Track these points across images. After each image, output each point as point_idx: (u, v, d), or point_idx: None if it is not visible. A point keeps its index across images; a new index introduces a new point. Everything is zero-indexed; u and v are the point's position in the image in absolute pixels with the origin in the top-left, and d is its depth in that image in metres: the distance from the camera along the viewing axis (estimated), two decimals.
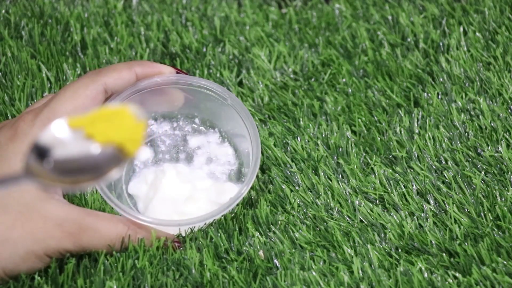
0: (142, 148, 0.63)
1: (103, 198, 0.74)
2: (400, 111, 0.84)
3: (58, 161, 0.59)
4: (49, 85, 0.86)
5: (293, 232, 0.76)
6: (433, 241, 0.75)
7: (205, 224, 0.76)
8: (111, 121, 0.60)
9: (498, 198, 0.77)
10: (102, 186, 0.74)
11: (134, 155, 0.60)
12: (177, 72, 0.78)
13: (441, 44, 0.90)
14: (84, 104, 0.74)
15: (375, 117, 0.84)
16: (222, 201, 0.77)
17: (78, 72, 0.87)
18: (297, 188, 0.79)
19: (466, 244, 0.74)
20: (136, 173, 0.80)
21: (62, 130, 0.59)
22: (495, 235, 0.75)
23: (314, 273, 0.73)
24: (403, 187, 0.79)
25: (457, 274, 0.73)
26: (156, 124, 0.82)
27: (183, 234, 0.75)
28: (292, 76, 0.89)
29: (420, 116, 0.84)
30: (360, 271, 0.73)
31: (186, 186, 0.78)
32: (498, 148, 0.81)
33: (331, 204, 0.78)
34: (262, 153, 0.81)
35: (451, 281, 0.72)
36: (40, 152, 0.58)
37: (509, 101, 0.84)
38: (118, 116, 0.60)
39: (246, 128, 0.77)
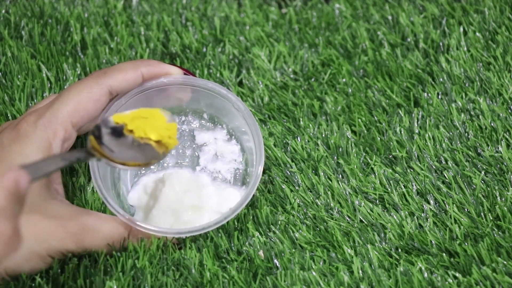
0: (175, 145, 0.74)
1: (103, 202, 0.74)
2: (400, 111, 0.84)
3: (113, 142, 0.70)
4: (49, 85, 0.86)
5: (293, 232, 0.76)
6: (433, 241, 0.75)
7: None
8: (147, 120, 0.71)
9: (498, 198, 0.77)
10: (103, 192, 0.73)
11: (169, 151, 0.72)
12: (185, 73, 0.78)
13: (441, 44, 0.90)
14: (88, 106, 0.74)
15: (375, 117, 0.84)
16: (224, 209, 0.76)
17: (78, 72, 0.87)
18: (297, 188, 0.79)
19: (466, 244, 0.74)
20: (137, 180, 0.79)
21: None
22: (495, 235, 0.75)
23: (314, 273, 0.73)
24: (403, 187, 0.79)
25: (457, 274, 0.73)
26: None
27: (183, 237, 0.75)
28: (292, 76, 0.89)
29: (420, 116, 0.84)
30: (360, 271, 0.73)
31: (186, 195, 0.77)
32: (498, 148, 0.81)
33: (331, 204, 0.78)
34: None
35: (451, 281, 0.72)
36: (114, 131, 0.70)
37: (509, 101, 0.84)
38: (153, 116, 0.72)
39: (253, 139, 0.77)
